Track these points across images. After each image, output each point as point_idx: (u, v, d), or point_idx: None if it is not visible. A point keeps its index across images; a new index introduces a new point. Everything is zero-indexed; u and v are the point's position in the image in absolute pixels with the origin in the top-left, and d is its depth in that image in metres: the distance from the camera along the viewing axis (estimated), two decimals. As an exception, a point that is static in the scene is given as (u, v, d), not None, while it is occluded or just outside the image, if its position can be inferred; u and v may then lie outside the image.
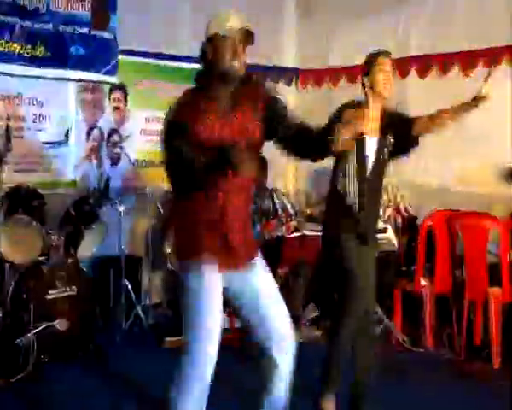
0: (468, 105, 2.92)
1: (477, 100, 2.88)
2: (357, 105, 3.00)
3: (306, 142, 2.32)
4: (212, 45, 2.27)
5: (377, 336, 3.15)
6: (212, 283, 2.25)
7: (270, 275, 2.42)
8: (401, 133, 3.02)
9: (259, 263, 2.39)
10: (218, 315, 2.25)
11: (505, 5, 4.52)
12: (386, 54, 3.06)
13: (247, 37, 2.29)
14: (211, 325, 2.22)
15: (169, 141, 2.28)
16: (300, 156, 2.46)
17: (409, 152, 3.15)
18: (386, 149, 3.02)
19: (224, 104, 2.31)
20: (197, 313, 2.23)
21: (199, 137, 2.22)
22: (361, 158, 2.98)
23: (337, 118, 2.86)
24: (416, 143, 3.10)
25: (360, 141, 2.87)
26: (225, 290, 2.30)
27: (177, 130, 2.25)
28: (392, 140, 3.03)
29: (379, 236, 4.19)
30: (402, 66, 5.17)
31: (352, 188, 3.00)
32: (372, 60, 3.03)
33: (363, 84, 3.06)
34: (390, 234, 4.26)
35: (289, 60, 6.15)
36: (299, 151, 2.40)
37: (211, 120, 2.26)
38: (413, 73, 5.18)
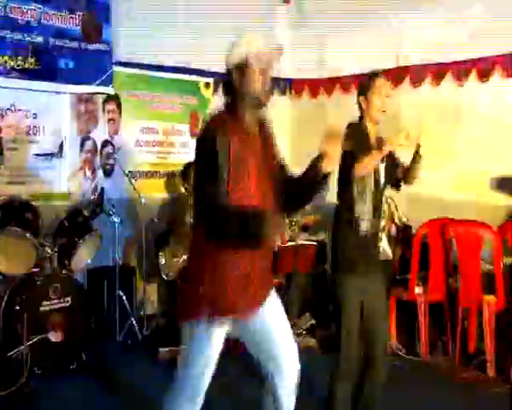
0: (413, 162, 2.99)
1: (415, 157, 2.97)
2: (361, 132, 2.96)
3: (291, 190, 2.33)
4: (242, 72, 2.20)
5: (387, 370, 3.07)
6: (219, 340, 2.25)
7: (282, 309, 2.39)
8: (392, 169, 3.04)
9: (273, 298, 2.37)
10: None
11: (495, 16, 4.53)
12: (384, 76, 3.00)
13: (274, 60, 2.24)
14: (206, 380, 2.26)
15: (212, 175, 2.14)
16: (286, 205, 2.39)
17: (400, 188, 3.17)
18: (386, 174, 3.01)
19: (255, 137, 2.27)
20: (196, 366, 2.24)
21: (241, 179, 2.15)
22: (376, 182, 2.94)
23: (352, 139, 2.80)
24: (401, 184, 3.13)
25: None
26: (237, 330, 2.30)
27: (223, 164, 2.14)
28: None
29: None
30: (393, 76, 5.26)
31: (366, 215, 2.92)
32: (369, 81, 2.96)
33: (359, 103, 3.00)
34: (384, 244, 4.26)
35: (283, 70, 6.10)
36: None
37: (253, 157, 2.20)
38: (406, 82, 5.19)
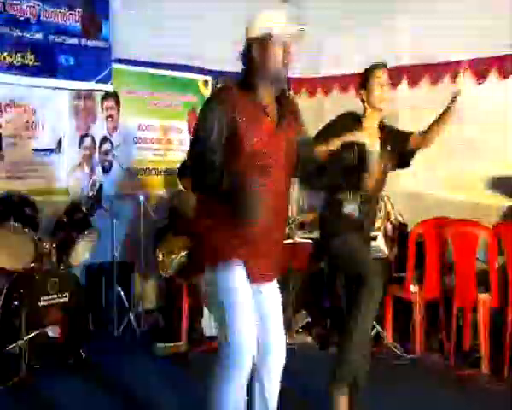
0: (446, 109, 3.00)
1: (452, 101, 2.97)
2: (356, 116, 3.05)
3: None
4: (262, 46, 2.19)
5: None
6: (243, 278, 2.24)
7: (280, 302, 2.42)
8: (400, 147, 3.09)
9: (275, 288, 2.39)
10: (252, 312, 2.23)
11: (491, 17, 4.61)
12: (383, 66, 3.07)
13: (296, 40, 2.25)
14: (247, 317, 2.20)
15: (208, 129, 2.16)
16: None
17: (409, 165, 3.22)
18: (385, 161, 3.06)
19: (272, 113, 2.25)
20: (233, 309, 2.20)
21: (246, 146, 2.15)
22: (363, 168, 2.97)
23: (334, 123, 2.99)
24: (413, 156, 3.18)
25: (362, 152, 2.89)
26: None
27: (220, 121, 2.15)
28: (390, 152, 3.07)
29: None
30: (392, 75, 5.33)
31: (352, 199, 3.01)
32: (369, 73, 3.04)
33: (361, 98, 3.07)
34: (380, 242, 4.35)
35: None
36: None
37: (261, 131, 2.19)
38: (403, 82, 5.28)
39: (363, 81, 3.06)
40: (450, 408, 3.44)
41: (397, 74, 5.21)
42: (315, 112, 5.79)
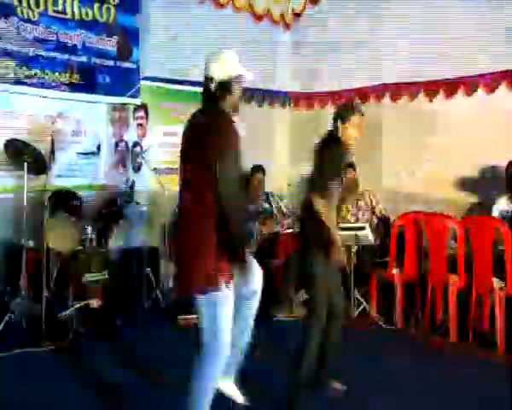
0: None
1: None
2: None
3: None
4: (226, 87, 2.38)
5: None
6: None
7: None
8: None
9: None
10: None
11: (457, 37, 4.73)
12: (360, 111, 2.98)
13: (246, 81, 2.47)
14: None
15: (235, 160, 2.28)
16: None
17: None
18: None
19: None
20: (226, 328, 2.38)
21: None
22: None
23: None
24: None
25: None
26: None
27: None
28: None
29: (359, 232, 4.42)
30: (378, 91, 5.46)
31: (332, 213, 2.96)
32: (348, 115, 2.95)
33: (335, 125, 2.99)
34: (367, 232, 4.43)
35: (284, 85, 6.28)
36: None
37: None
38: (387, 97, 5.39)
39: (342, 118, 2.96)
40: (424, 371, 3.49)
41: (382, 91, 5.39)
42: (314, 123, 5.73)
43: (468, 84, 4.77)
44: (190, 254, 2.35)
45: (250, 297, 2.59)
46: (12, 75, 4.38)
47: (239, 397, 2.70)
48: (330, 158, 2.94)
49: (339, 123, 2.99)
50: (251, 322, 2.64)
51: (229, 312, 2.40)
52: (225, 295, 2.36)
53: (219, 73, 2.40)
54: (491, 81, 4.63)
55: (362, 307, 4.52)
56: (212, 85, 2.40)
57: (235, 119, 2.44)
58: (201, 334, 2.39)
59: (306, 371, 2.91)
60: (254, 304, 2.63)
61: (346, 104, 3.13)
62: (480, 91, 4.70)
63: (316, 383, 3.06)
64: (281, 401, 2.89)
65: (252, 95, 6.01)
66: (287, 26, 6.30)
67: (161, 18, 5.22)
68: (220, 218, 2.28)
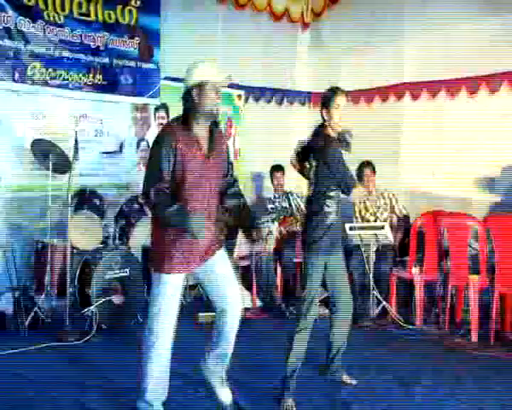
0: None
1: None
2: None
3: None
4: (200, 89, 2.45)
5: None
6: (175, 285, 2.60)
7: (228, 263, 2.72)
8: None
9: (219, 255, 2.70)
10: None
11: (478, 38, 4.70)
12: (343, 92, 3.02)
13: (223, 85, 2.54)
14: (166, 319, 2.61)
15: (158, 161, 2.43)
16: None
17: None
18: None
19: (205, 144, 2.53)
20: (156, 305, 2.59)
21: (184, 173, 2.45)
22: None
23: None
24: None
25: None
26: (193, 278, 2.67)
27: (167, 154, 2.42)
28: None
29: (378, 232, 4.39)
30: (398, 90, 5.41)
31: (333, 212, 3.00)
32: (330, 98, 3.00)
33: (322, 115, 3.04)
34: (387, 231, 4.37)
35: (303, 84, 6.29)
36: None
37: (195, 158, 2.47)
38: (407, 96, 5.35)
39: (324, 103, 3.00)
40: (443, 370, 3.50)
41: (401, 89, 5.36)
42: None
43: (490, 83, 4.71)
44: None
45: (220, 315, 2.69)
46: (38, 76, 4.46)
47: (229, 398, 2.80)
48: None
49: (324, 112, 3.03)
50: (230, 339, 2.71)
51: (167, 294, 2.56)
52: (162, 279, 2.56)
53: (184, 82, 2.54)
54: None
55: (381, 306, 4.50)
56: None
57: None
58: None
59: (293, 365, 2.96)
60: (230, 323, 2.68)
61: (328, 90, 3.09)
62: (503, 90, 4.64)
63: (326, 373, 3.23)
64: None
65: (271, 94, 6.04)
66: (305, 25, 6.30)
67: (181, 19, 5.26)
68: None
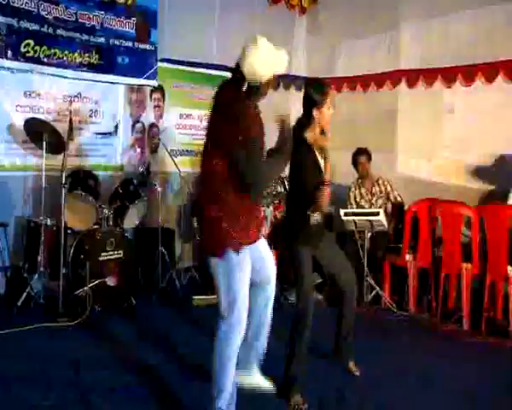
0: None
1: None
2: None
3: None
4: (267, 83, 2.39)
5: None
6: (247, 261, 2.46)
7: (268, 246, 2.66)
8: None
9: (263, 239, 2.63)
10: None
11: (475, 28, 4.64)
12: (330, 88, 2.83)
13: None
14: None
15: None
16: None
17: None
18: None
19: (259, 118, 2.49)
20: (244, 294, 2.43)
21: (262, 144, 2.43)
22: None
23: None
24: None
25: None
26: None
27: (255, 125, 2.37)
28: None
29: (373, 218, 4.34)
30: (394, 77, 5.34)
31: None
32: (324, 95, 2.75)
33: (310, 111, 2.78)
34: (382, 217, 4.34)
35: (300, 69, 6.22)
36: None
37: (261, 129, 2.45)
38: (403, 83, 5.28)
39: (316, 101, 2.74)
40: (435, 357, 3.49)
41: (398, 76, 5.29)
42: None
43: (487, 72, 4.64)
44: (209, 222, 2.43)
45: (265, 283, 2.60)
46: (32, 54, 4.34)
47: (266, 384, 2.69)
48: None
49: (314, 111, 2.77)
50: (269, 312, 2.63)
51: (244, 273, 2.41)
52: (234, 257, 2.38)
53: (250, 75, 2.36)
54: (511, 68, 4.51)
55: (375, 292, 4.48)
56: (244, 84, 2.38)
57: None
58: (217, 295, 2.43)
59: (300, 355, 2.83)
60: (270, 290, 2.62)
61: (318, 87, 2.82)
62: (499, 79, 4.58)
63: (337, 355, 3.15)
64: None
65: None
66: (303, 10, 6.21)
67: (179, 1, 5.13)
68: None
